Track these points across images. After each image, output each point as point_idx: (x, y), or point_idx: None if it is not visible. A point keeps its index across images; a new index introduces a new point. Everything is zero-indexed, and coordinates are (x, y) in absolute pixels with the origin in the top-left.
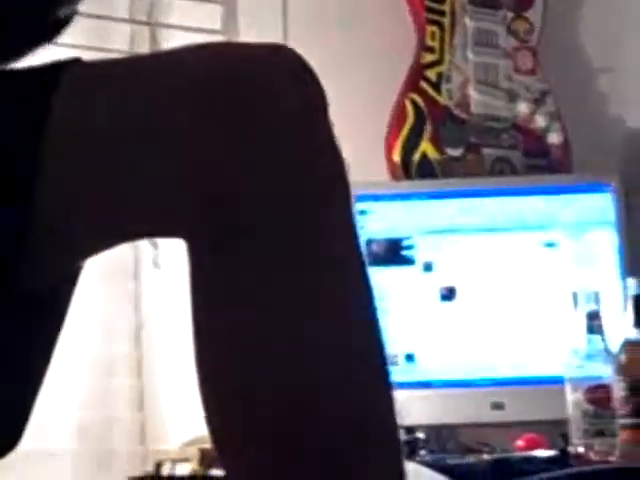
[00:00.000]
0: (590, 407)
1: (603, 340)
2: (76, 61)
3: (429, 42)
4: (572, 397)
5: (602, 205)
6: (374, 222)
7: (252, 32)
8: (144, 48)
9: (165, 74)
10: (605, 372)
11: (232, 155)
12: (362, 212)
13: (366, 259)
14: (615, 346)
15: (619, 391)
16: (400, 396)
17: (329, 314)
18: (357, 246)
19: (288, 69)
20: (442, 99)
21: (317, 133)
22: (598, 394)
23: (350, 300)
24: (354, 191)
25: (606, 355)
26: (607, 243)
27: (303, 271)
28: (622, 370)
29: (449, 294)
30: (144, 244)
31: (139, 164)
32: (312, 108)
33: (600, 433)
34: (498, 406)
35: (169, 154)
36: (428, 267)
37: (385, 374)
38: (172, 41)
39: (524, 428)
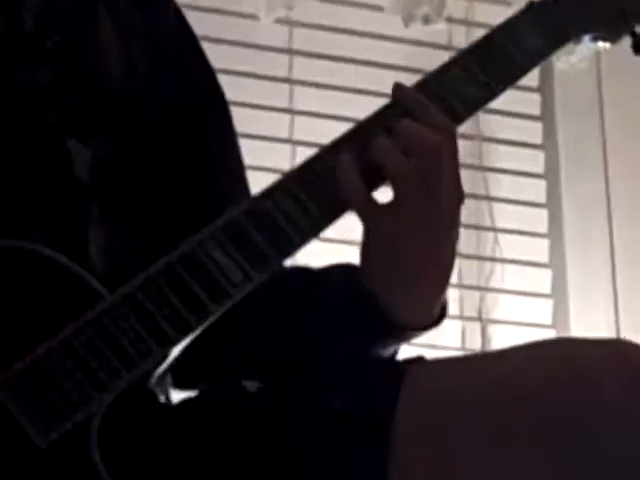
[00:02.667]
0: None
1: None
2: (420, 359)
3: None
4: None
5: None
6: None
7: (583, 325)
8: (475, 343)
9: (497, 380)
10: None
11: None
12: None
13: None
14: None
15: None
16: None
17: None
18: None
19: (630, 365)
20: None
21: None
22: None
23: None
24: None
25: None
26: None
27: None
28: None
29: None
30: None
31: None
32: None
33: None
34: None
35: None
36: None
37: None
38: (502, 335)
39: None
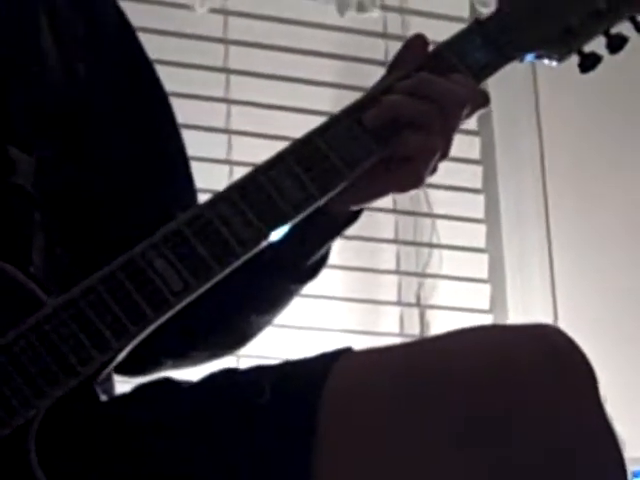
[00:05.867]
0: None
1: None
2: (348, 350)
3: None
4: None
5: None
6: None
7: (520, 309)
8: (414, 329)
9: (424, 368)
10: None
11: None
12: None
13: None
14: None
15: None
16: None
17: None
18: None
19: (552, 349)
20: None
21: (586, 417)
22: None
23: None
24: (636, 465)
25: None
26: None
27: None
28: None
29: None
30: None
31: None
32: (577, 390)
33: None
34: None
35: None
36: None
37: None
38: (440, 320)
39: None
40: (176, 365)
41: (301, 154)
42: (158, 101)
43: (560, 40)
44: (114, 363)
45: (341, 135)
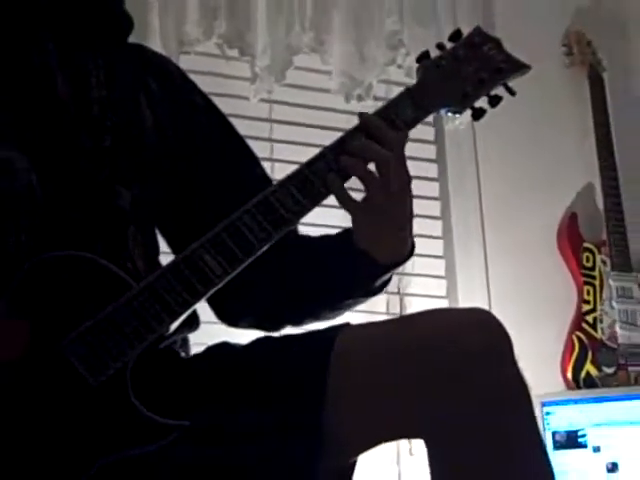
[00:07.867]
0: None
1: None
2: (347, 324)
3: (586, 297)
4: None
5: None
6: (557, 419)
7: (467, 298)
8: (396, 309)
9: (402, 333)
10: None
11: (443, 390)
12: (548, 413)
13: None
14: None
15: None
16: None
17: None
18: (542, 445)
19: (482, 324)
20: (598, 335)
21: (505, 368)
22: None
23: None
24: (544, 398)
25: None
26: None
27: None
28: None
29: (613, 468)
30: None
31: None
32: (498, 350)
33: None
34: None
35: (406, 393)
36: (596, 449)
37: None
38: (414, 304)
39: None
40: (287, 327)
41: (296, 180)
42: (249, 156)
43: (460, 100)
44: (176, 323)
45: (321, 168)
